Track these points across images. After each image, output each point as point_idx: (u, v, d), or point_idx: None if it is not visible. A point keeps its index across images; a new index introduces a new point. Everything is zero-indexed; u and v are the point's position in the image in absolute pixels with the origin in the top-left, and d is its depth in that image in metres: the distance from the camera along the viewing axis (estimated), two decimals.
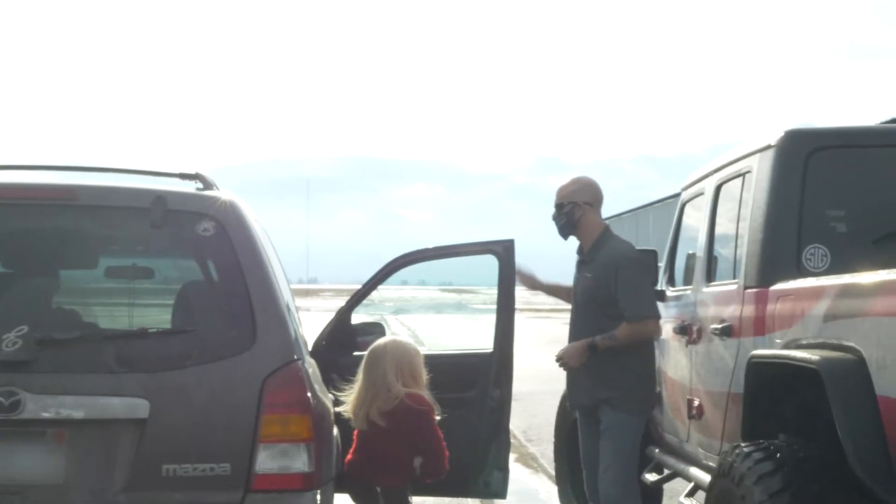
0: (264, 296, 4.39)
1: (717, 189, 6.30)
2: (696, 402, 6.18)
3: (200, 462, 4.22)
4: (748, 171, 5.72)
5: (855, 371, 4.11)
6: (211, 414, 4.25)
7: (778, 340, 4.96)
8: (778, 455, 4.47)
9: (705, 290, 6.24)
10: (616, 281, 6.23)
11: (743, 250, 5.59)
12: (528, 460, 11.48)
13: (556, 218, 6.52)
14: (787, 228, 5.29)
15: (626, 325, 6.24)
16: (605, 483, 6.25)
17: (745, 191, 5.72)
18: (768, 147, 5.48)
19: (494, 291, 6.64)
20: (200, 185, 4.75)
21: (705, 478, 6.15)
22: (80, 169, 4.83)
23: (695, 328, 6.26)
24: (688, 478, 6.46)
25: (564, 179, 6.62)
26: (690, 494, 6.32)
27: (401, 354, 5.73)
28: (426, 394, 5.75)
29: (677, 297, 6.87)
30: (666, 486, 7.81)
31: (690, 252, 6.92)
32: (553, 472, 11.05)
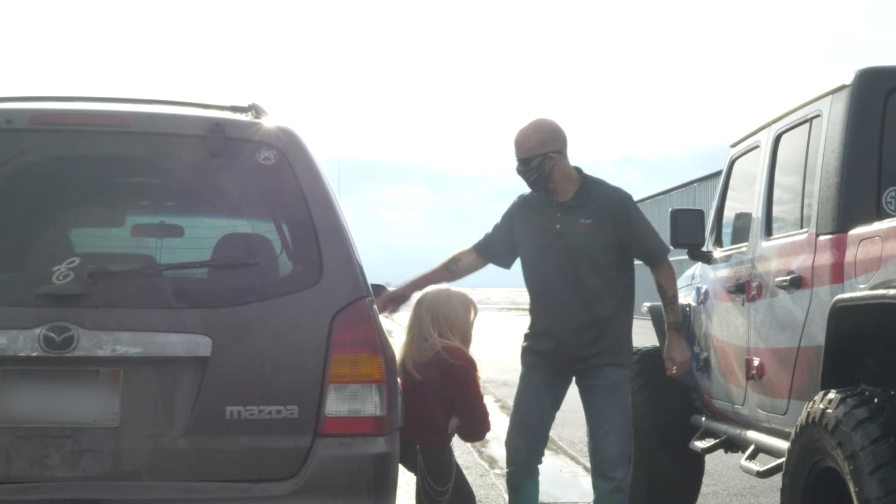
0: (330, 228, 4.11)
1: (777, 139, 6.05)
2: (757, 362, 5.92)
3: (266, 404, 3.94)
4: (817, 116, 5.47)
5: None
6: (276, 352, 3.97)
7: (861, 286, 4.70)
8: (876, 400, 4.21)
9: (765, 244, 5.98)
10: (630, 222, 5.85)
11: (814, 198, 5.33)
12: (549, 443, 11.27)
13: (525, 173, 5.89)
14: (866, 171, 5.06)
15: (665, 268, 5.96)
16: (614, 441, 5.78)
17: (814, 136, 5.47)
18: (842, 87, 5.23)
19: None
20: (255, 116, 4.46)
21: (767, 439, 5.91)
22: (126, 101, 4.54)
23: (754, 285, 6.00)
24: (745, 441, 6.21)
25: (522, 126, 5.97)
26: (751, 458, 6.06)
27: (438, 302, 5.48)
28: (466, 349, 5.47)
29: (727, 257, 6.62)
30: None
31: (742, 210, 6.67)
32: (573, 453, 10.90)
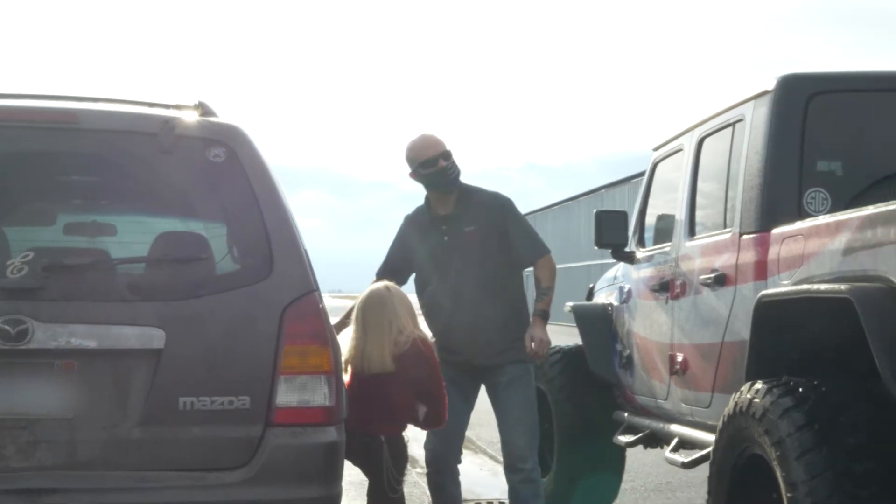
0: (279, 223, 4.22)
1: (700, 143, 6.27)
2: (680, 358, 6.13)
3: (219, 395, 4.04)
4: (739, 120, 5.69)
5: (887, 297, 4.08)
6: (229, 345, 4.07)
7: (785, 282, 4.92)
8: (800, 389, 4.42)
9: (689, 244, 6.19)
10: (510, 222, 6.15)
11: (737, 199, 5.55)
12: (467, 443, 11.43)
13: (448, 169, 6.08)
14: (788, 173, 5.28)
15: (544, 263, 6.19)
16: (520, 433, 6.07)
17: (737, 140, 5.69)
18: (765, 93, 5.46)
19: None
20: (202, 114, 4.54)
21: (690, 432, 6.13)
22: (71, 98, 4.59)
23: (678, 283, 6.22)
24: (669, 435, 6.42)
25: (417, 137, 6.23)
26: (675, 450, 6.26)
27: (402, 296, 5.60)
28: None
29: (650, 257, 6.82)
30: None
31: (665, 211, 6.88)
32: (492, 452, 11.06)
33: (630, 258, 7.15)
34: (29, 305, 3.93)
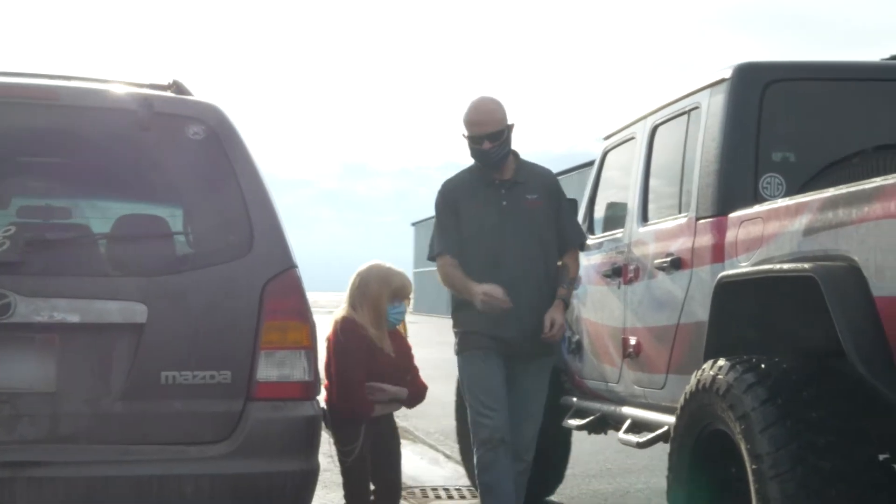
0: (259, 201, 4.27)
1: (653, 131, 6.40)
2: (634, 341, 6.26)
3: (200, 369, 4.08)
4: (695, 108, 5.83)
5: (850, 275, 4.22)
6: (210, 320, 4.12)
7: (743, 264, 5.06)
8: (762, 366, 4.56)
9: (642, 229, 6.32)
10: (563, 201, 6.00)
11: (693, 184, 5.69)
12: (406, 433, 11.50)
13: (497, 148, 5.71)
14: (745, 159, 5.43)
15: (575, 255, 6.03)
16: (532, 426, 5.95)
17: (692, 127, 5.83)
18: (722, 81, 5.60)
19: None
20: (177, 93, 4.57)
21: (643, 413, 6.25)
22: (39, 76, 4.59)
23: (631, 268, 6.35)
24: (621, 417, 6.54)
25: (475, 103, 5.77)
26: (628, 431, 6.39)
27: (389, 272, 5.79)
28: None
29: (601, 244, 6.95)
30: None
31: (615, 199, 7.01)
32: (432, 442, 11.14)
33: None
34: (11, 280, 3.94)
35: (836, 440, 4.28)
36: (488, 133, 5.69)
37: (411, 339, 6.63)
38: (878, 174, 5.38)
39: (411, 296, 5.89)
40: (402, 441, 6.22)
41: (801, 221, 4.62)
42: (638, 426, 6.37)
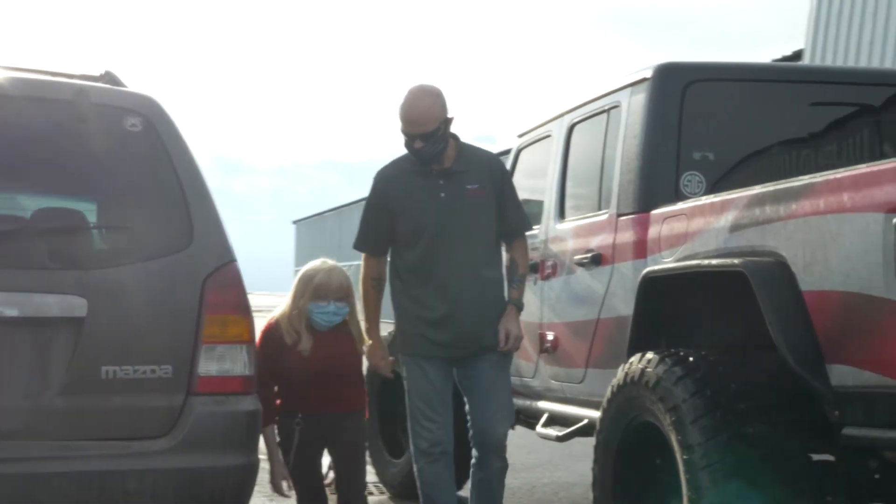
0: (198, 194, 4.24)
1: (570, 129, 6.50)
2: (551, 336, 6.35)
3: (141, 364, 4.04)
4: (615, 107, 5.94)
5: (778, 270, 4.35)
6: (151, 314, 4.08)
7: (666, 259, 5.17)
8: (691, 359, 4.67)
9: (560, 226, 6.42)
10: (507, 187, 5.63)
11: (613, 181, 5.79)
12: None
13: (432, 146, 5.39)
14: (666, 157, 5.55)
15: (522, 243, 5.70)
16: (503, 421, 5.61)
17: (612, 125, 5.94)
18: (643, 80, 5.72)
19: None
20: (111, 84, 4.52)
21: (561, 407, 6.35)
22: None
23: (548, 264, 6.43)
24: (537, 411, 6.63)
25: (409, 98, 5.44)
26: (546, 425, 6.47)
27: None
28: None
29: None
30: None
31: (530, 196, 7.09)
32: None
33: None
34: None
35: (765, 430, 4.41)
36: (420, 133, 5.38)
37: None
38: (786, 169, 5.59)
39: (350, 294, 5.50)
40: None
41: (728, 218, 4.74)
42: (555, 420, 6.46)
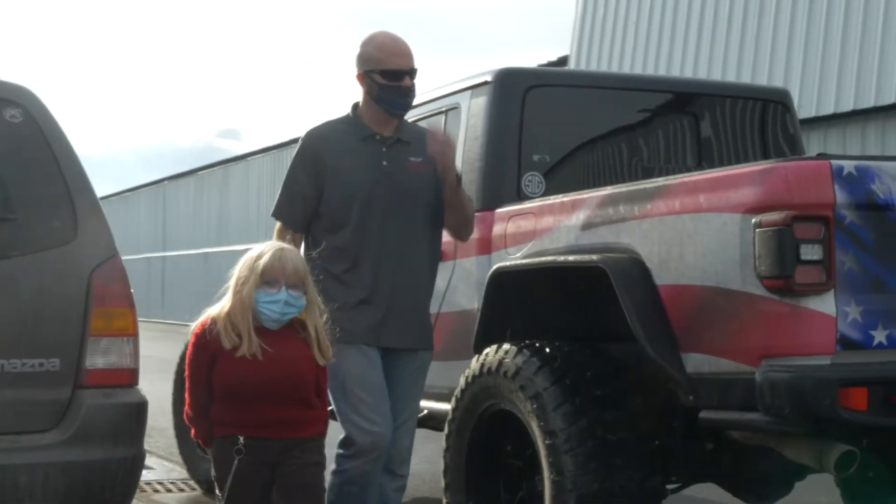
0: (81, 186, 4.24)
1: None
2: None
3: (28, 357, 4.03)
4: (453, 108, 6.17)
5: (634, 266, 4.65)
6: (38, 307, 4.06)
7: (512, 256, 5.42)
8: (547, 350, 4.93)
9: None
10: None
11: None
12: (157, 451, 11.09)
13: (412, 91, 4.84)
14: (509, 158, 5.81)
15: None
16: (408, 433, 5.00)
17: (451, 126, 6.15)
18: (484, 84, 5.96)
19: None
20: None
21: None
22: None
23: None
24: None
25: (389, 34, 4.87)
26: None
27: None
28: None
29: None
30: None
31: None
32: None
33: None
34: None
35: (620, 414, 4.73)
36: (409, 69, 4.79)
37: None
38: (617, 172, 5.96)
39: (306, 281, 4.18)
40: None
41: (579, 216, 5.02)
42: None
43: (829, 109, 13.32)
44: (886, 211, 4.19)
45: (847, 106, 13.13)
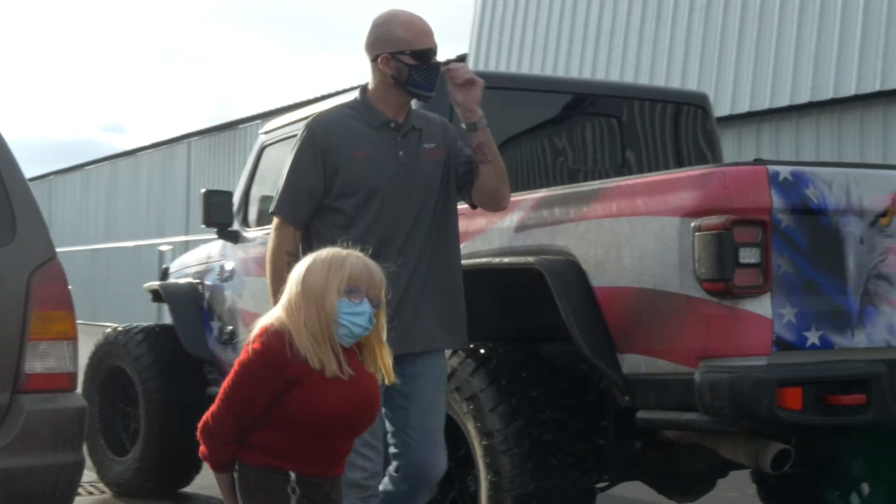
0: (19, 187, 4.16)
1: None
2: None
3: None
4: None
5: (570, 268, 4.71)
6: None
7: None
8: (482, 352, 4.97)
9: None
10: (458, 147, 4.43)
11: None
12: None
13: (434, 71, 4.33)
14: None
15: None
16: (438, 446, 4.33)
17: None
18: None
19: None
20: None
21: None
22: None
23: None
24: None
25: (404, 13, 4.38)
26: None
27: None
28: None
29: (256, 238, 7.09)
30: None
31: (272, 193, 7.18)
32: None
33: (235, 237, 7.37)
34: None
35: (555, 415, 4.79)
36: (433, 46, 4.34)
37: None
38: (545, 174, 6.02)
39: (383, 295, 3.45)
40: None
41: (513, 218, 5.06)
42: None
43: (725, 111, 13.56)
44: (819, 215, 4.31)
45: (743, 107, 13.36)
